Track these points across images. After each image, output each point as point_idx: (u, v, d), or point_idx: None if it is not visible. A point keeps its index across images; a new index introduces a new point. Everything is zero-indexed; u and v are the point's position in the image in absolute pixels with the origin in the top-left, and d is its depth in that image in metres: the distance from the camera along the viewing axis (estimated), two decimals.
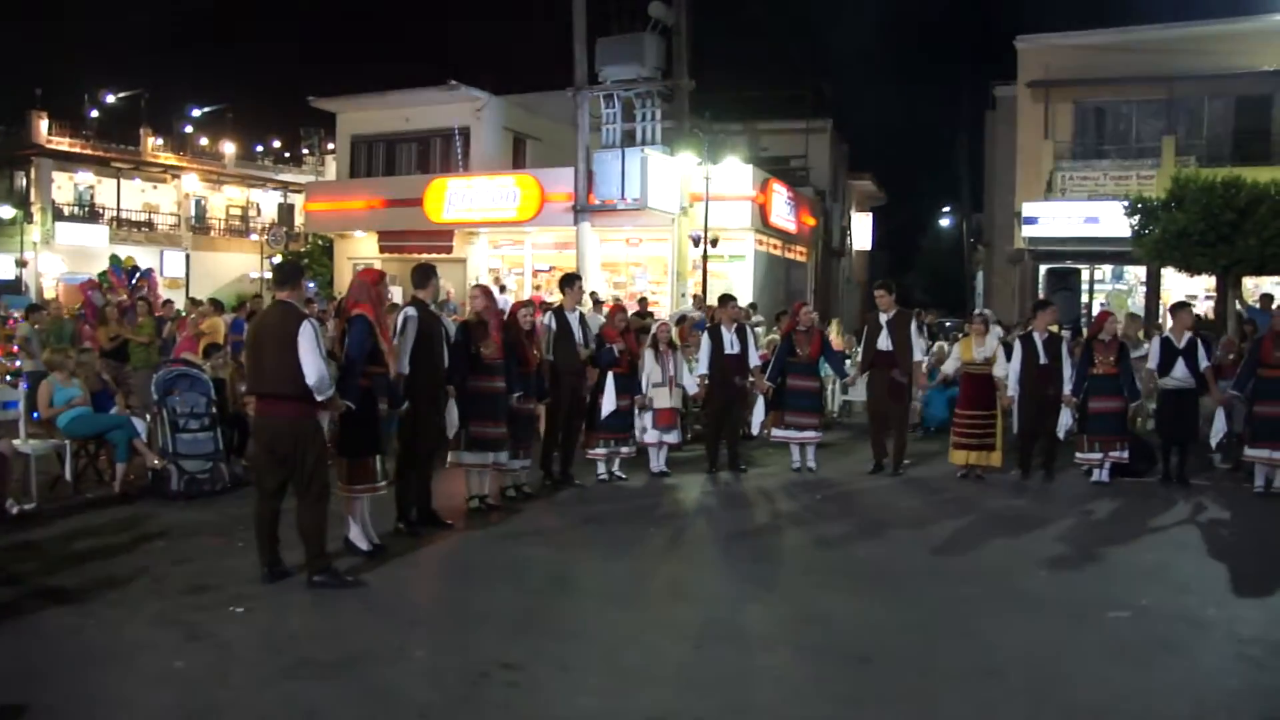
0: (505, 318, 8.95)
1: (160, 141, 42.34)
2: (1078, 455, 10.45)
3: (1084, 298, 24.41)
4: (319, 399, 6.25)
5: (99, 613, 5.82)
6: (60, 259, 35.32)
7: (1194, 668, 5.30)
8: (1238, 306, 16.58)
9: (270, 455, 6.40)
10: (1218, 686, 5.03)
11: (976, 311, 12.27)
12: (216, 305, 15.17)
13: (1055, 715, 4.72)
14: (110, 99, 43.99)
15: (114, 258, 18.59)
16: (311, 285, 30.86)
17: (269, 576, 6.42)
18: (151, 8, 76.14)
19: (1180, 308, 10.94)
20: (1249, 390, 9.84)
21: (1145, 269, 22.54)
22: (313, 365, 6.14)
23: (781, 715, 4.72)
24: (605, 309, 12.75)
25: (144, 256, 29.68)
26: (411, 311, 7.63)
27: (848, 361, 13.13)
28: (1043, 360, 10.30)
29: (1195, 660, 5.41)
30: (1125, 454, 10.29)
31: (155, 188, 41.01)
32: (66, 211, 37.30)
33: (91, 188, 39.14)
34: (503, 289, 21.12)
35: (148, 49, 64.13)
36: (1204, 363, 10.14)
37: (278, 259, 34.97)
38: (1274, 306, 12.84)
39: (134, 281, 16.68)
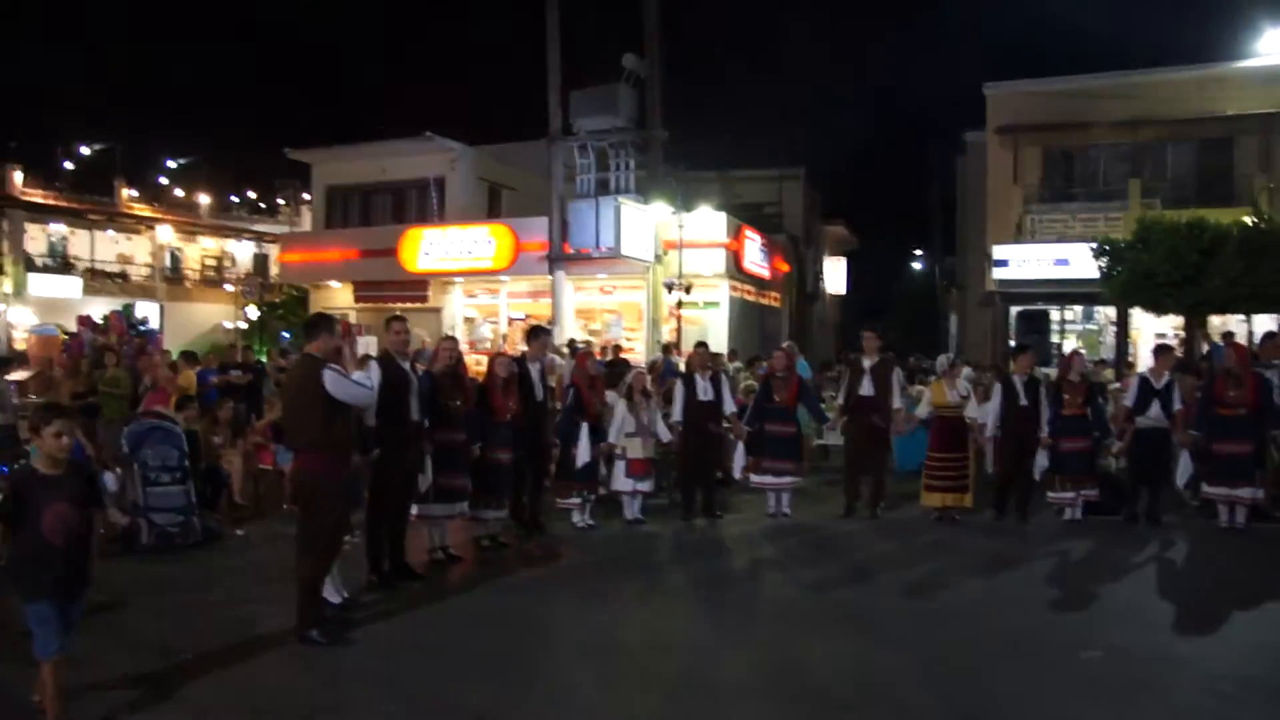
0: (492, 367, 9.10)
1: (135, 193, 42.33)
2: (1050, 495, 10.51)
3: (1054, 338, 24.70)
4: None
5: (66, 674, 5.72)
6: (31, 311, 35.10)
7: (1168, 705, 5.33)
8: (1205, 346, 16.80)
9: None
10: None
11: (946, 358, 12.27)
12: (190, 357, 15.08)
13: None
14: (84, 150, 44.03)
15: (127, 307, 18.56)
16: (286, 336, 30.83)
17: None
18: (126, 59, 76.48)
19: (1163, 350, 11.00)
20: (1205, 429, 9.97)
21: (1115, 309, 22.82)
22: (354, 395, 6.31)
23: None
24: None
25: (117, 308, 29.54)
26: (375, 365, 7.61)
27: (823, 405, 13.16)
28: (1023, 402, 10.39)
29: (1169, 698, 5.43)
30: (1095, 492, 10.38)
31: (129, 239, 40.93)
32: (39, 263, 37.12)
33: (65, 239, 39.03)
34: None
35: (122, 100, 64.32)
36: (1177, 404, 10.26)
37: (252, 310, 35.00)
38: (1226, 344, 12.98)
39: (134, 333, 16.55)
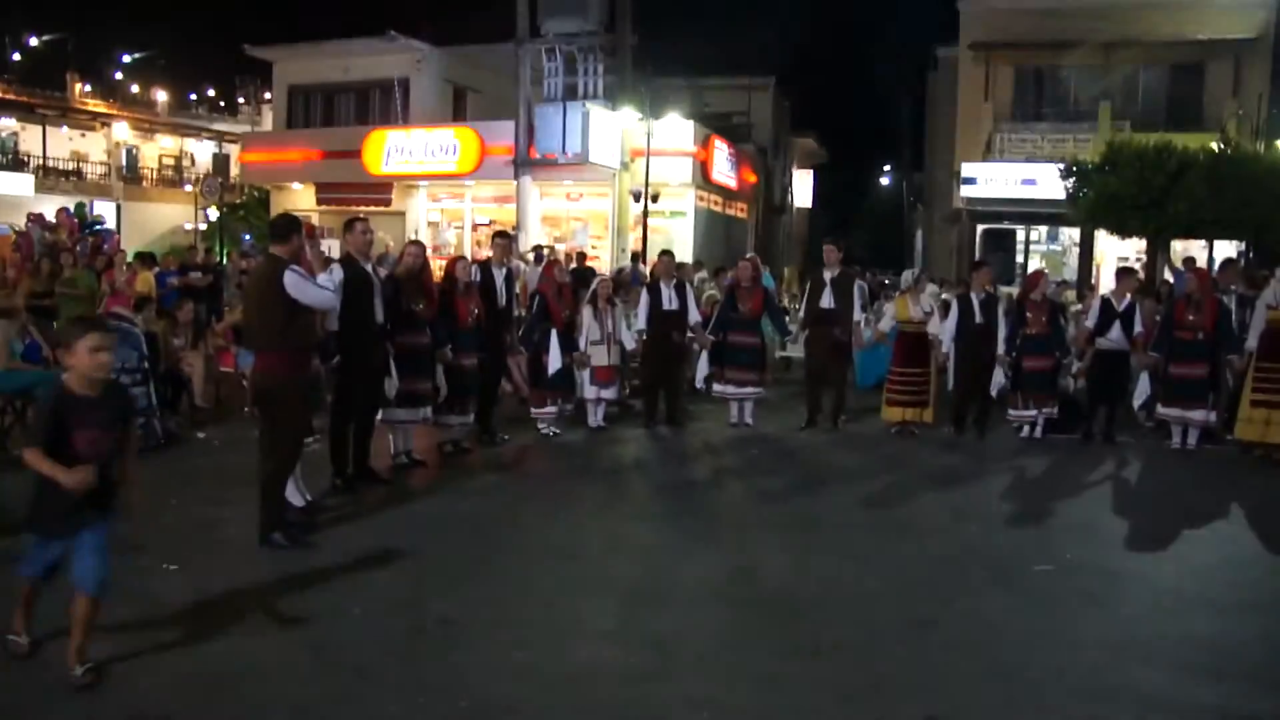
0: (451, 271, 9.03)
1: (89, 88, 41.07)
2: (1010, 411, 10.66)
3: (1019, 258, 24.86)
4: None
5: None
6: None
7: (1112, 619, 5.48)
8: (1167, 273, 16.97)
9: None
10: (1133, 636, 5.20)
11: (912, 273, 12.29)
12: (147, 259, 14.84)
13: (982, 665, 4.85)
14: (35, 42, 42.56)
15: (79, 205, 18.17)
16: (247, 237, 30.38)
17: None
18: None
19: (1125, 273, 11.13)
20: (1164, 351, 10.13)
21: (1079, 230, 22.95)
22: (315, 297, 6.23)
23: (714, 667, 4.79)
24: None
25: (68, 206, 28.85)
26: (338, 268, 7.52)
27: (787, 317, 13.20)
28: (979, 320, 10.45)
29: (1114, 611, 5.59)
30: (1055, 410, 10.54)
31: (84, 135, 39.81)
32: None
33: (15, 134, 37.88)
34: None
35: None
36: (1138, 327, 10.38)
37: (213, 210, 34.38)
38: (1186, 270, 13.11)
39: (87, 232, 16.21)
